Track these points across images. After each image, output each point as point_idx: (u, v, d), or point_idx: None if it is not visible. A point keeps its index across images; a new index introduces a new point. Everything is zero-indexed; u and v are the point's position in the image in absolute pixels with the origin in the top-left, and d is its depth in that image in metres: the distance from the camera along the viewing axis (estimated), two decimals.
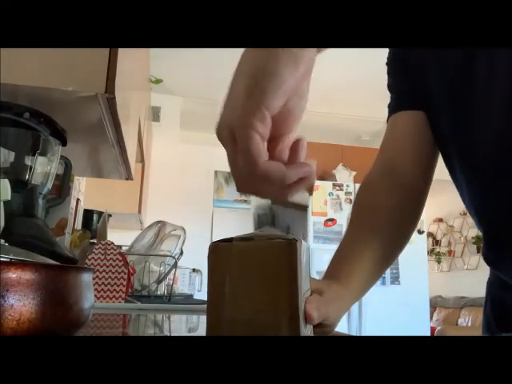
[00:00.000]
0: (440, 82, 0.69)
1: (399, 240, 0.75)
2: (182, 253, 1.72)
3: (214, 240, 0.43)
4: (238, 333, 0.38)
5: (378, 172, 0.78)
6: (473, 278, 5.68)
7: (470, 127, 0.65)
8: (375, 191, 0.76)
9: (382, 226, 0.73)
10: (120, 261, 1.21)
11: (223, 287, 0.40)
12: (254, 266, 0.39)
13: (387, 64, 0.81)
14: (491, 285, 0.76)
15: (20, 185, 0.90)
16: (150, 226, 1.82)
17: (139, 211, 3.36)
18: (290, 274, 0.39)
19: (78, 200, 1.50)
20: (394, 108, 0.79)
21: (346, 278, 0.66)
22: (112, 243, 1.23)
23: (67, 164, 1.11)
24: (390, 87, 0.82)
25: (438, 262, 6.67)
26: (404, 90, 0.78)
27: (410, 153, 0.76)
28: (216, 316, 0.40)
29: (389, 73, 0.82)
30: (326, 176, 4.59)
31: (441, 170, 0.78)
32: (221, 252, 0.41)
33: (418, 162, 0.76)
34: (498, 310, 0.72)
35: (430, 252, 6.45)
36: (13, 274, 0.39)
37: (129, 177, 1.64)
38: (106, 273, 1.19)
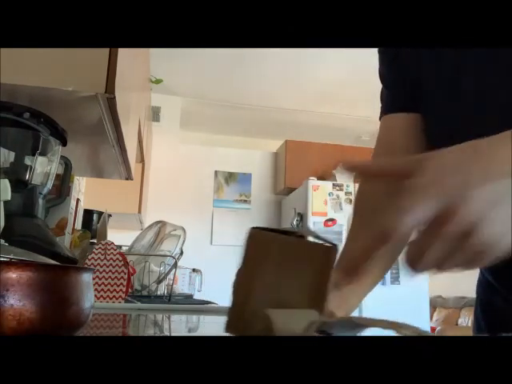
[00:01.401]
0: (434, 74, 0.68)
1: None
2: (182, 253, 1.72)
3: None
4: (259, 321, 0.38)
5: None
6: (473, 278, 5.65)
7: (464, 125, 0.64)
8: (374, 185, 0.76)
9: None
10: (120, 261, 1.21)
11: (254, 273, 0.40)
12: (290, 261, 0.40)
13: (379, 52, 0.80)
14: (480, 285, 0.76)
15: (20, 185, 0.90)
16: (150, 226, 1.82)
17: (139, 211, 3.36)
18: (322, 277, 0.39)
19: (77, 200, 1.50)
20: (387, 107, 0.79)
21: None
22: (112, 243, 1.23)
23: (67, 164, 1.11)
24: (382, 78, 0.81)
25: None
26: (397, 88, 0.76)
27: (405, 153, 0.75)
28: (241, 302, 0.40)
29: (381, 61, 0.81)
30: (325, 176, 4.59)
31: None
32: (261, 239, 0.41)
33: None
34: (487, 311, 0.72)
35: None
36: (13, 274, 0.39)
37: (129, 177, 1.64)
38: (106, 273, 1.19)
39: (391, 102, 0.78)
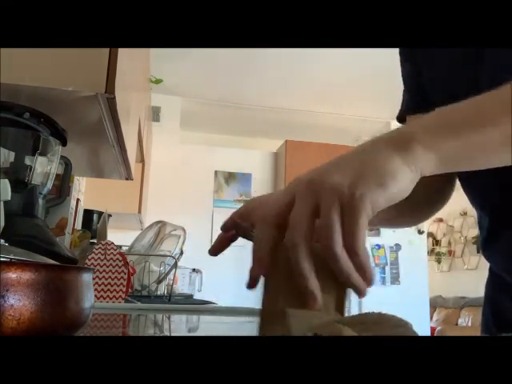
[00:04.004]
0: (446, 80, 0.68)
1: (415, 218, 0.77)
2: (182, 253, 1.72)
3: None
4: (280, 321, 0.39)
5: None
6: (473, 278, 5.67)
7: None
8: None
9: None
10: (120, 261, 1.21)
11: (280, 282, 0.41)
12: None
13: (399, 53, 0.80)
14: (490, 286, 0.76)
15: (20, 185, 0.90)
16: (150, 226, 1.82)
17: (139, 211, 3.36)
18: (338, 284, 0.40)
19: (77, 200, 1.50)
20: (409, 108, 0.78)
21: None
22: (112, 243, 1.23)
23: (67, 164, 1.11)
24: (404, 80, 0.80)
25: (438, 262, 6.67)
26: (413, 90, 0.76)
27: None
28: (272, 306, 0.41)
29: (400, 62, 0.80)
30: None
31: None
32: (281, 251, 0.42)
33: None
34: (496, 312, 0.72)
35: (430, 252, 6.45)
36: (13, 274, 0.39)
37: (129, 177, 1.63)
38: (106, 273, 1.19)
39: (409, 104, 0.78)
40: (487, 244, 0.72)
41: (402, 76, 0.80)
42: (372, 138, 0.44)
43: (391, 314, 0.35)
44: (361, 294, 0.39)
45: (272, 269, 0.42)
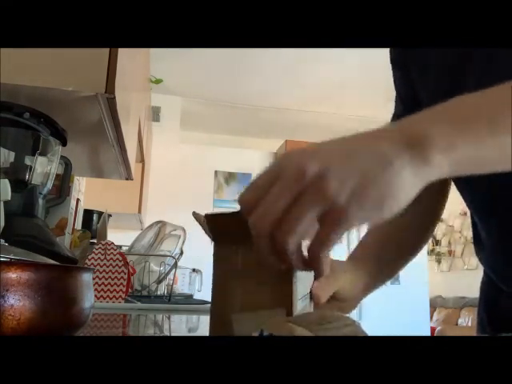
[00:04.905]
0: (434, 89, 0.68)
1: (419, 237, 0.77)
2: (181, 253, 1.72)
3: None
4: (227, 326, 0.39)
5: None
6: (473, 278, 5.66)
7: None
8: None
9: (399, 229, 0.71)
10: (120, 261, 1.21)
11: (229, 283, 0.42)
12: (253, 267, 0.40)
13: (390, 62, 0.80)
14: (484, 285, 0.76)
15: (20, 185, 0.90)
16: (150, 226, 1.82)
17: (139, 211, 3.36)
18: (285, 277, 0.40)
19: (77, 200, 1.50)
20: (403, 116, 0.78)
21: (360, 254, 0.68)
22: (112, 243, 1.23)
23: (67, 164, 1.11)
24: (397, 88, 0.80)
25: (438, 262, 6.67)
26: (410, 101, 0.76)
27: None
28: (220, 313, 0.42)
29: (392, 71, 0.80)
30: None
31: None
32: (225, 251, 0.43)
33: None
34: (491, 311, 0.72)
35: (430, 252, 6.45)
36: (13, 274, 0.39)
37: (129, 177, 1.63)
38: (106, 273, 1.19)
39: (403, 112, 0.78)
40: (479, 247, 0.72)
41: (394, 83, 0.80)
42: (379, 129, 0.40)
43: (337, 313, 0.35)
44: None
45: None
